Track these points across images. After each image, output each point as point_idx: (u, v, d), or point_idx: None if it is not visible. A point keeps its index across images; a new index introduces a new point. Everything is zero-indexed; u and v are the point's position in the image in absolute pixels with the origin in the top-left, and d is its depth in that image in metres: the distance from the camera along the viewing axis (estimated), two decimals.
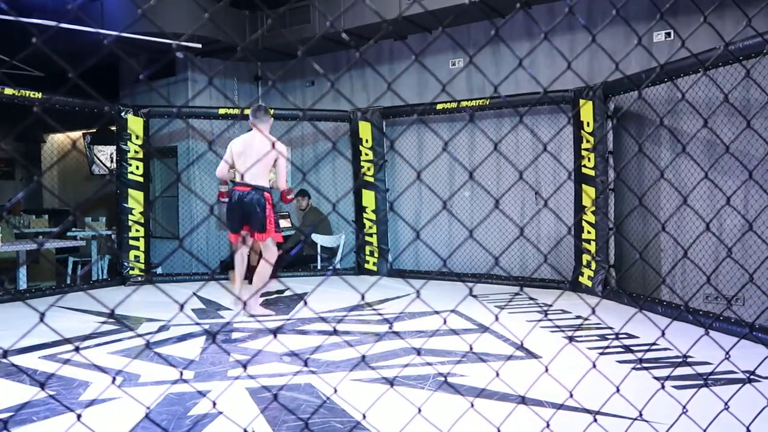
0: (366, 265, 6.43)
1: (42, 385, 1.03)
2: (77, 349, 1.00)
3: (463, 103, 5.76)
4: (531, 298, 4.83)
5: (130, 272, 5.94)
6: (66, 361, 3.05)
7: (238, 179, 4.31)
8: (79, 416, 1.00)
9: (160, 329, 3.89)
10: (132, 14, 6.47)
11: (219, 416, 2.30)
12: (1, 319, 4.15)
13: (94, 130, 8.10)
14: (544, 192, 5.58)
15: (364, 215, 6.38)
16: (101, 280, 6.19)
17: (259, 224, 4.15)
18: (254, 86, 7.75)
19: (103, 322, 4.05)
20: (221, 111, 6.32)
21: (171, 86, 7.31)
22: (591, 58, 5.34)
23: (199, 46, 6.45)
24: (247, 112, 6.46)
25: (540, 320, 3.94)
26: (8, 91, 4.99)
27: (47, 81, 7.43)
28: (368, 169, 6.32)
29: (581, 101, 5.00)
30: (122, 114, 5.91)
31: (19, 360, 3.14)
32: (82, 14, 5.59)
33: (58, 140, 9.76)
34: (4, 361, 3.02)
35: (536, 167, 5.64)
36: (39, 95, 5.12)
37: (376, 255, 6.40)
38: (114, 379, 2.77)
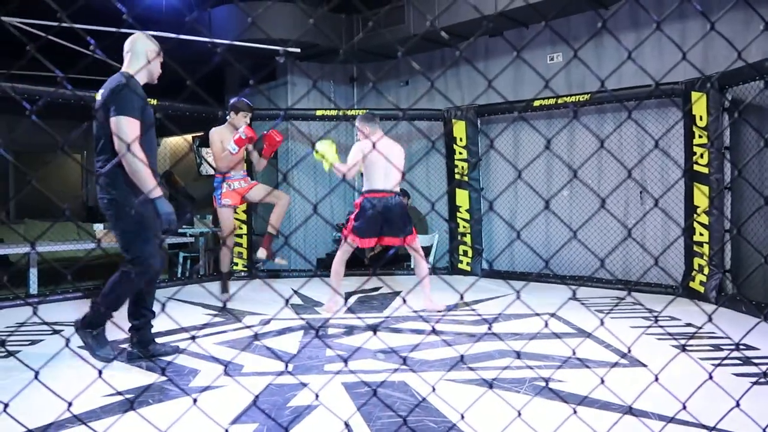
0: (459, 265, 6.37)
1: (163, 371, 1.11)
2: (193, 338, 1.06)
3: (563, 99, 5.56)
4: (635, 303, 4.58)
5: (234, 268, 6.26)
6: (182, 350, 3.27)
7: (380, 186, 4.25)
8: (195, 400, 1.07)
9: (262, 323, 4.07)
10: (237, 23, 6.82)
11: (316, 408, 2.37)
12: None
13: (201, 134, 8.62)
14: (651, 191, 5.26)
15: (458, 215, 6.33)
16: (207, 275, 6.57)
17: (405, 229, 4.31)
18: (350, 88, 7.91)
19: (215, 315, 4.30)
20: (318, 113, 6.51)
21: (272, 90, 7.63)
22: (705, 47, 4.96)
23: (299, 50, 6.69)
24: (352, 113, 6.59)
25: (649, 326, 3.72)
26: None
27: (156, 87, 7.98)
28: (463, 168, 6.26)
29: (693, 93, 4.66)
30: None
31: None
32: (196, 25, 5.96)
33: (171, 143, 10.47)
34: (122, 346, 3.28)
35: (641, 165, 5.33)
36: (154, 102, 5.52)
37: (470, 255, 6.33)
38: (226, 368, 2.93)
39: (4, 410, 1.19)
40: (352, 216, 4.33)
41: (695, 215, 4.72)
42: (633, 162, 5.21)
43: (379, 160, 4.17)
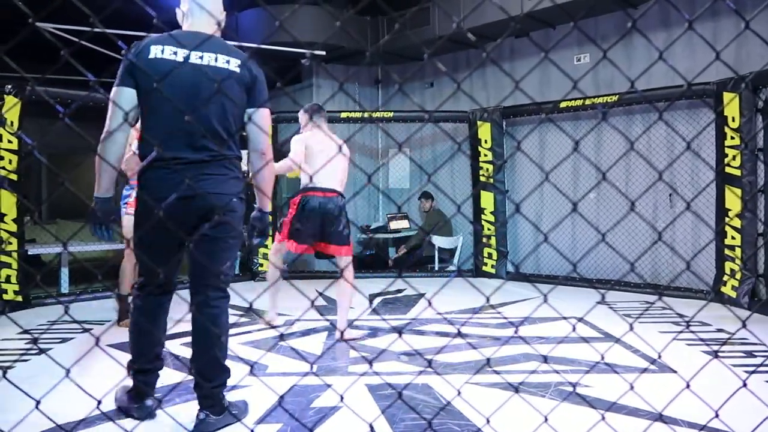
0: (484, 268, 6.33)
1: (190, 370, 1.12)
2: (220, 339, 1.07)
3: (589, 101, 5.49)
4: (664, 308, 4.49)
5: (259, 268, 6.32)
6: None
7: (317, 183, 3.63)
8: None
9: (287, 323, 4.10)
10: (263, 26, 6.89)
11: (340, 410, 2.38)
12: None
13: None
14: (680, 193, 5.15)
15: (483, 217, 6.29)
16: (234, 276, 6.64)
17: (341, 236, 3.70)
18: (374, 90, 7.93)
19: (241, 315, 4.34)
20: (343, 115, 6.54)
21: (297, 92, 7.69)
22: (738, 47, 4.85)
23: (324, 53, 6.73)
24: (377, 115, 6.51)
25: (680, 332, 3.64)
26: None
27: None
28: (488, 170, 6.22)
29: (726, 94, 4.55)
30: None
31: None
32: (224, 29, 6.03)
33: None
34: None
35: (671, 167, 5.23)
36: None
37: (494, 257, 6.28)
38: (252, 368, 2.95)
39: (36, 407, 1.22)
40: (288, 216, 3.74)
41: (727, 218, 4.61)
42: (662, 164, 5.11)
43: (321, 154, 3.65)
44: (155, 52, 2.04)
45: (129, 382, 2.28)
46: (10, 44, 1.12)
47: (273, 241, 4.15)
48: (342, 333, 3.69)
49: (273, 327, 3.93)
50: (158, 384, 2.71)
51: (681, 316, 4.07)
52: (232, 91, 2.09)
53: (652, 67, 1.44)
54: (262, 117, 2.20)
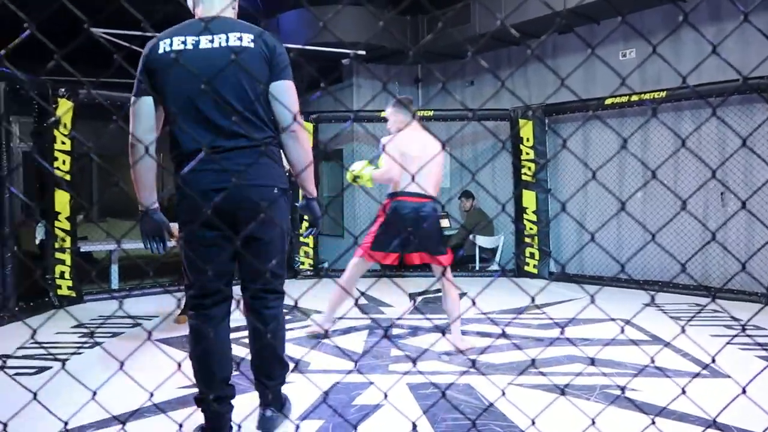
0: (526, 268, 6.24)
1: (237, 365, 1.14)
2: (268, 336, 1.09)
3: (636, 96, 5.34)
4: (716, 311, 4.33)
5: (300, 267, 6.40)
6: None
7: (414, 188, 3.34)
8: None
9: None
10: (305, 27, 6.97)
11: (381, 408, 2.39)
12: None
13: None
14: (733, 192, 4.96)
15: (525, 216, 6.20)
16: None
17: (437, 244, 3.44)
18: (415, 89, 7.92)
19: (287, 312, 4.41)
20: (383, 114, 6.54)
21: (338, 92, 7.74)
22: None
23: (364, 53, 6.76)
24: (417, 114, 6.46)
25: (734, 336, 3.51)
26: None
27: None
28: (530, 169, 6.13)
29: None
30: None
31: None
32: (268, 30, 6.13)
33: None
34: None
35: (723, 165, 5.03)
36: None
37: (536, 257, 6.18)
38: (297, 365, 3.00)
39: (93, 398, 1.26)
40: (375, 225, 3.47)
41: None
42: (713, 162, 4.94)
43: (413, 156, 3.35)
44: (164, 47, 1.92)
45: (200, 417, 2.02)
46: (67, 49, 1.16)
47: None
48: (458, 346, 3.34)
49: (324, 334, 3.68)
50: None
51: (735, 319, 3.92)
52: (250, 69, 1.91)
53: (704, 62, 1.40)
54: (284, 90, 1.96)
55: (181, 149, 1.92)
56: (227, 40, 1.92)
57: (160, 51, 1.92)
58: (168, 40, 1.92)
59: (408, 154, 3.36)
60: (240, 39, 1.93)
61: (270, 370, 2.09)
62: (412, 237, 3.35)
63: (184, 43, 1.91)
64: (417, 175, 3.21)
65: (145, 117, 1.94)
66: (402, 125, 3.53)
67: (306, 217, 2.16)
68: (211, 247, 1.94)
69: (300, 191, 2.14)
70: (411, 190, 3.34)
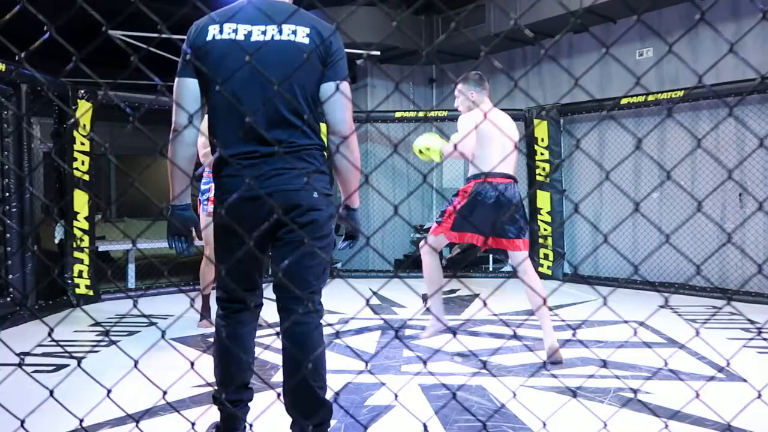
0: (540, 269, 6.20)
1: (249, 365, 1.15)
2: (278, 335, 1.10)
3: (653, 96, 5.29)
4: (732, 313, 4.28)
5: None
6: (267, 347, 3.39)
7: (499, 169, 3.18)
8: (279, 395, 1.11)
9: (341, 321, 4.15)
10: None
11: (393, 409, 2.39)
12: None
13: None
14: (751, 193, 4.90)
15: (539, 217, 6.17)
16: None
17: (518, 228, 3.27)
18: (429, 89, 7.91)
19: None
20: (397, 114, 6.56)
21: (352, 93, 7.75)
22: None
23: (378, 53, 6.76)
24: (431, 114, 6.38)
25: (751, 339, 3.46)
26: None
27: None
28: (544, 169, 6.10)
29: None
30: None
31: None
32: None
33: None
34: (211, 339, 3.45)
35: (741, 165, 4.97)
36: None
37: (550, 258, 6.15)
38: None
39: (108, 396, 1.28)
40: (454, 205, 3.32)
41: None
42: (731, 162, 4.87)
43: (494, 134, 3.14)
44: (213, 32, 1.75)
45: (216, 415, 1.97)
46: (86, 50, 1.18)
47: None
48: (553, 354, 3.04)
49: (448, 330, 3.50)
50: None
51: (752, 322, 3.87)
52: (301, 69, 1.73)
53: (721, 60, 1.38)
54: (338, 92, 1.81)
55: (220, 150, 1.76)
56: (280, 33, 1.75)
57: (208, 37, 1.75)
58: (217, 27, 1.75)
59: (485, 133, 3.16)
60: (294, 33, 1.76)
61: (301, 405, 1.83)
62: (495, 220, 3.16)
63: (236, 32, 1.74)
64: (498, 155, 3.08)
65: (188, 101, 1.78)
66: (478, 104, 3.31)
67: (343, 228, 2.03)
68: (245, 254, 1.75)
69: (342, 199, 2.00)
70: (498, 171, 3.17)
